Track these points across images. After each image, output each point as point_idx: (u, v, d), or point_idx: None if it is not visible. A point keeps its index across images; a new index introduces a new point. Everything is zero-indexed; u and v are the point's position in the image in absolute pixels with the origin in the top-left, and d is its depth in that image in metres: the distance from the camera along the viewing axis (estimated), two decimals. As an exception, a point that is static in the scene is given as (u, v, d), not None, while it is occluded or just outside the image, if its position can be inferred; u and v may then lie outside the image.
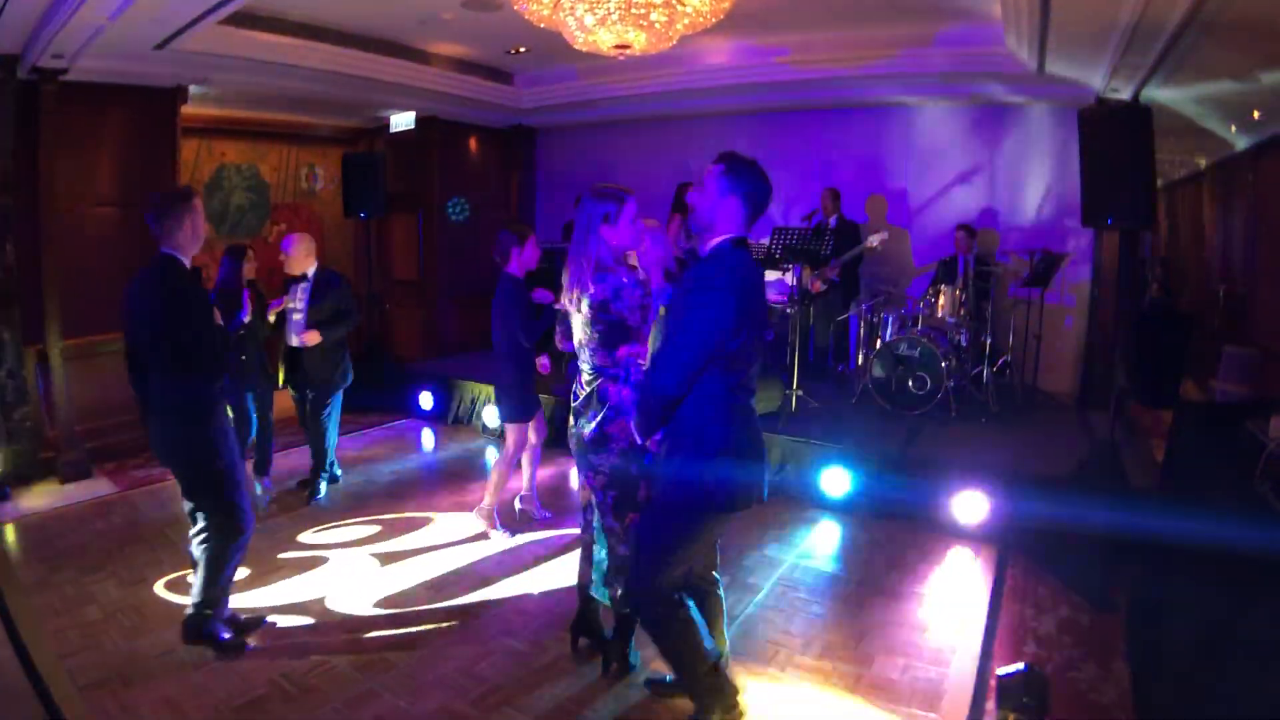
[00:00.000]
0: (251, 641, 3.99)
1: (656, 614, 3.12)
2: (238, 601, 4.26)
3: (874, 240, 7.92)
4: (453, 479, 6.58)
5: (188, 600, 3.94)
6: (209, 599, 3.87)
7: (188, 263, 3.73)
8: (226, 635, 3.92)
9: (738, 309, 2.75)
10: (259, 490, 5.85)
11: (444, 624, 4.20)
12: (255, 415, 5.85)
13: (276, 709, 3.45)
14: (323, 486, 6.06)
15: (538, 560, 5.02)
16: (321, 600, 4.46)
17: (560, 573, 4.82)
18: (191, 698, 3.52)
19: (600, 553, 3.62)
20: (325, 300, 5.77)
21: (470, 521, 5.46)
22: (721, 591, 3.57)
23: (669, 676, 3.46)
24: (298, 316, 5.79)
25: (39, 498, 6.02)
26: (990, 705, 3.48)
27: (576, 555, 4.99)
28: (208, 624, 3.89)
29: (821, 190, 8.59)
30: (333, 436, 6.08)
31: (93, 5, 5.06)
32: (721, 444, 2.87)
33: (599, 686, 3.69)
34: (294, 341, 5.79)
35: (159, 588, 4.57)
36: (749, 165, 2.89)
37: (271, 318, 5.82)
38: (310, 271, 5.82)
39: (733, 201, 2.86)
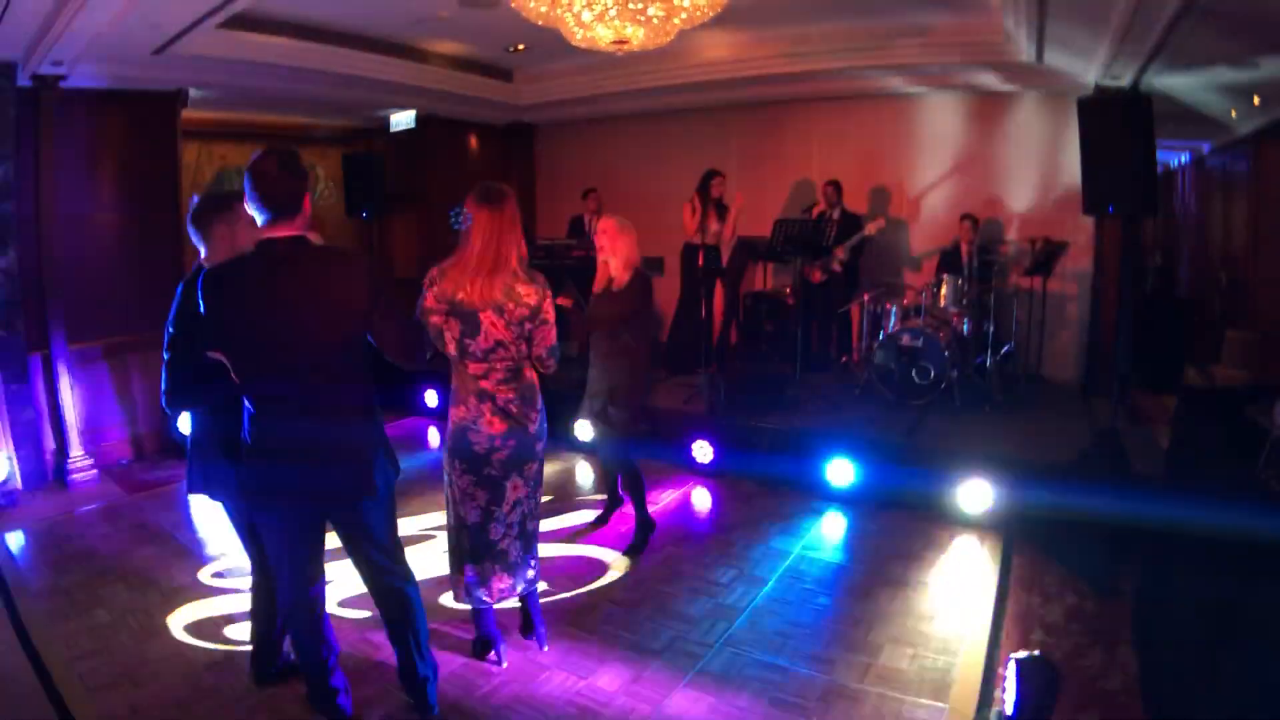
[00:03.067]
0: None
1: None
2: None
3: (870, 227, 7.94)
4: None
5: (194, 603, 3.97)
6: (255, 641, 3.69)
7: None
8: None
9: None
10: None
11: (450, 621, 4.21)
12: None
13: (286, 710, 3.47)
14: None
15: (544, 555, 5.04)
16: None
17: (566, 566, 4.84)
18: (201, 699, 3.54)
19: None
20: None
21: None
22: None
23: None
24: None
25: (46, 502, 6.05)
26: (999, 694, 3.49)
27: (582, 547, 5.04)
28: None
29: (822, 182, 8.59)
30: None
31: (90, 12, 5.06)
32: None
33: (609, 682, 3.70)
34: None
35: (167, 590, 4.59)
36: (250, 167, 2.76)
37: None
38: None
39: (248, 205, 2.80)
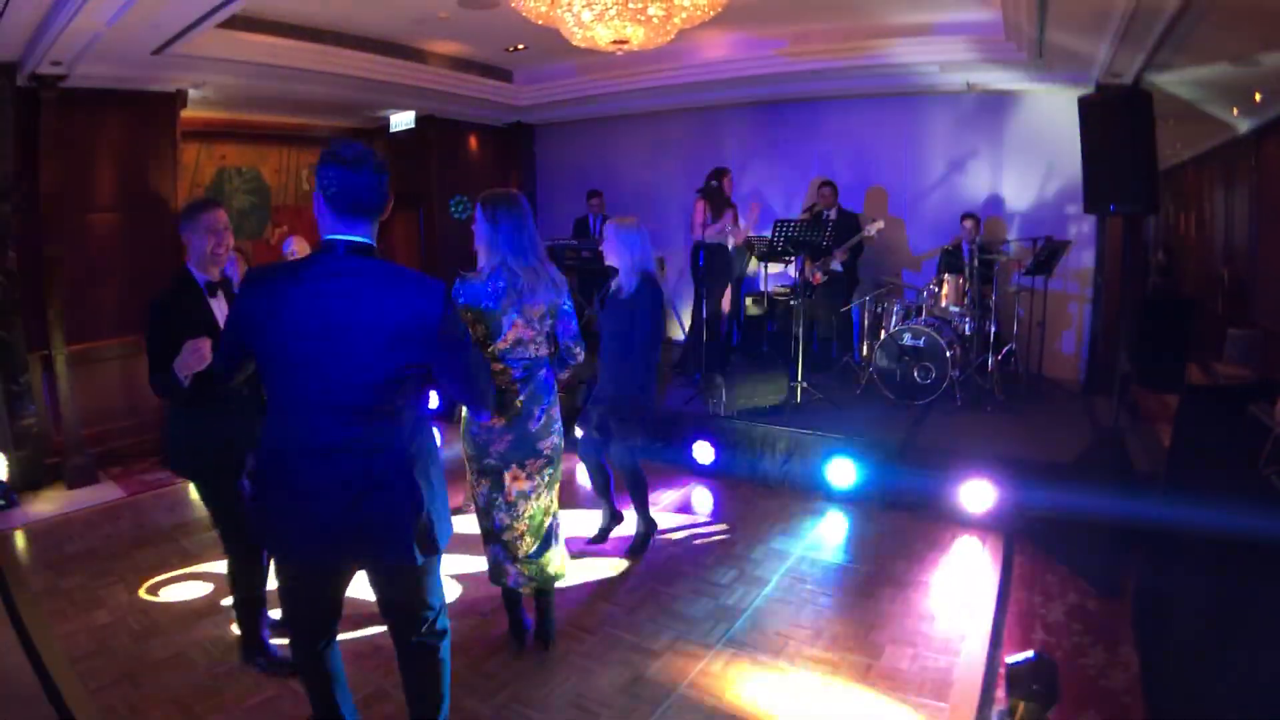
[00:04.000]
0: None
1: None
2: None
3: (870, 229, 7.93)
4: (460, 476, 6.57)
5: (195, 601, 4.01)
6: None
7: (202, 277, 3.49)
8: (277, 652, 3.78)
9: (240, 311, 2.51)
10: None
11: (453, 622, 4.20)
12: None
13: (287, 709, 3.46)
14: None
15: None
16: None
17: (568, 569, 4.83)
18: (201, 699, 3.54)
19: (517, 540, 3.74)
20: None
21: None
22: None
23: None
24: None
25: (46, 503, 6.05)
26: (1000, 693, 3.48)
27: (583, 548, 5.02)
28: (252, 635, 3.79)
29: (819, 182, 8.58)
30: None
31: (89, 12, 5.06)
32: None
33: (611, 683, 3.70)
34: None
35: (167, 591, 4.60)
36: (331, 157, 2.41)
37: None
38: None
39: (318, 198, 2.44)
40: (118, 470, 6.73)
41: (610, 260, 4.66)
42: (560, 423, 3.74)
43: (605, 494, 5.20)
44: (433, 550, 2.61)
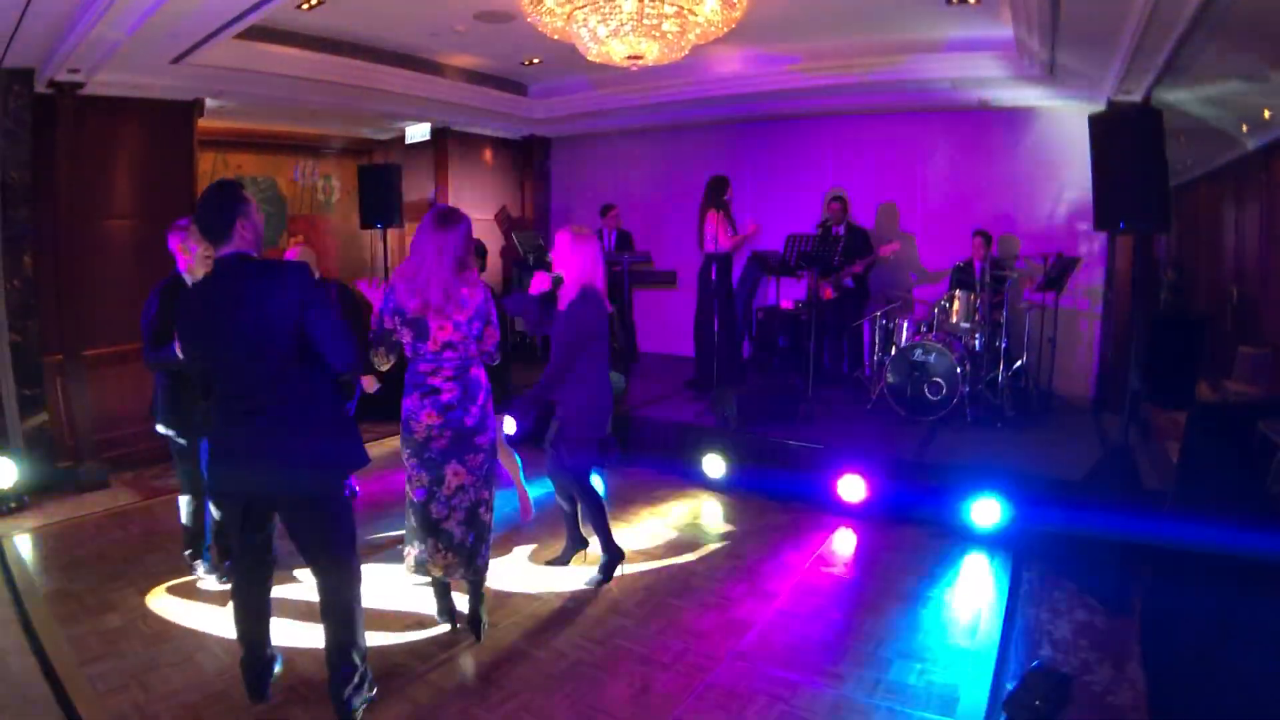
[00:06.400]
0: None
1: None
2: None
3: (884, 250, 7.95)
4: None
5: (204, 607, 4.17)
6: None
7: (190, 279, 4.44)
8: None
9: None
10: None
11: (460, 630, 4.21)
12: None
13: (296, 714, 3.48)
14: None
15: (554, 570, 5.05)
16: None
17: (571, 577, 4.85)
18: (211, 704, 3.55)
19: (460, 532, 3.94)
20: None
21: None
22: None
23: None
24: None
25: (57, 507, 6.07)
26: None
27: (586, 562, 5.00)
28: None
29: (830, 197, 8.60)
30: None
31: (109, 20, 5.14)
32: None
33: (621, 691, 3.70)
34: None
35: (177, 595, 4.62)
36: (210, 188, 3.19)
37: None
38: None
39: None
40: (129, 475, 6.77)
41: (557, 269, 4.52)
42: (494, 418, 4.00)
43: (571, 517, 5.04)
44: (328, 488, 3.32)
